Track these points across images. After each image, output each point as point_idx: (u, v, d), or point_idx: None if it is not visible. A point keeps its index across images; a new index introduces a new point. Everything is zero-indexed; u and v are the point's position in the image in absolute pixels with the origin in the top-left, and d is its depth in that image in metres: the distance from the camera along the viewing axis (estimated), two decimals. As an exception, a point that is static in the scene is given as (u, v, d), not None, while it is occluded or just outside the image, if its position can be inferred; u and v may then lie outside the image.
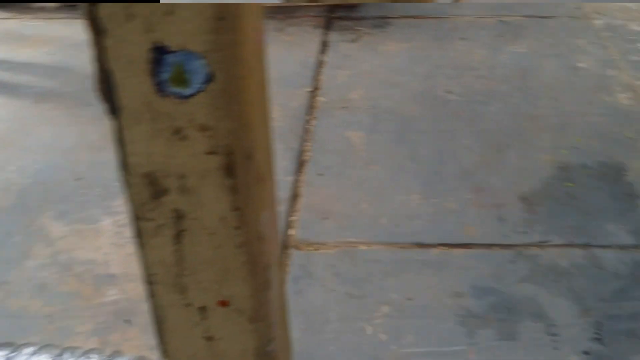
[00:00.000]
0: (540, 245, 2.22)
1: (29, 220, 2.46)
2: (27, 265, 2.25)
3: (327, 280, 2.13)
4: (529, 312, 1.97)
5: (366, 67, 3.45)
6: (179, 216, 0.74)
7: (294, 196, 2.57)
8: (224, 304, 0.81)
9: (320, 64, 3.50)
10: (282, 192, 2.58)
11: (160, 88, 0.66)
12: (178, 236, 0.75)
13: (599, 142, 2.77)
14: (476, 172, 2.64)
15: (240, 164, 0.71)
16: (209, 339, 0.82)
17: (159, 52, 0.62)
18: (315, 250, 2.29)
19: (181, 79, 0.66)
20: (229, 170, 0.71)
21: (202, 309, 0.81)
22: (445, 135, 2.87)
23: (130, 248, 2.16)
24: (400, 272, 2.16)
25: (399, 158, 2.76)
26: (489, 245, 2.24)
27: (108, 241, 2.35)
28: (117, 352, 1.55)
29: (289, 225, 2.41)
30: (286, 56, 3.54)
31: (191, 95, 0.67)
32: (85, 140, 2.91)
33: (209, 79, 0.65)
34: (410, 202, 2.50)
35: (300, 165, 2.76)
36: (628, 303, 1.98)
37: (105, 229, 2.41)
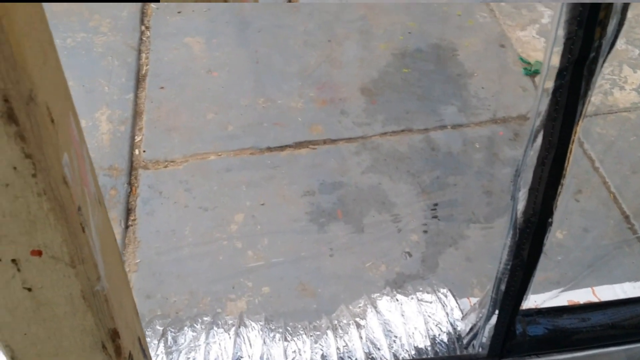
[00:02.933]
0: (381, 134, 2.33)
1: None
2: None
3: (179, 197, 2.11)
4: (374, 200, 2.08)
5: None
6: (-37, 171, 0.67)
7: (136, 114, 2.46)
8: (37, 253, 0.77)
9: (147, -33, 3.26)
10: (123, 111, 2.46)
11: None
12: (-32, 193, 0.69)
13: (431, 24, 2.87)
14: (318, 68, 2.65)
15: (20, 109, 0.65)
16: (29, 289, 0.78)
17: None
18: (164, 167, 2.23)
19: None
20: (9, 116, 0.65)
21: (14, 262, 0.77)
22: (285, 31, 2.84)
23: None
24: (251, 178, 2.18)
25: (242, 61, 2.70)
26: (334, 141, 2.31)
27: None
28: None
29: (134, 145, 2.32)
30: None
31: (-58, 41, 0.59)
32: None
33: (-42, 20, 0.57)
34: (256, 106, 2.49)
35: (139, 80, 2.63)
36: (460, 178, 2.15)
37: None
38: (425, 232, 1.99)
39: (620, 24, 0.86)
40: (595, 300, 1.57)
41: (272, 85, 2.57)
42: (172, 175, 2.20)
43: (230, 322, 1.49)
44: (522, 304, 1.21)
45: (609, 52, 0.88)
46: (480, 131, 2.34)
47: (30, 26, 0.63)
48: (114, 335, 0.89)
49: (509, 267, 1.12)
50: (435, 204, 2.07)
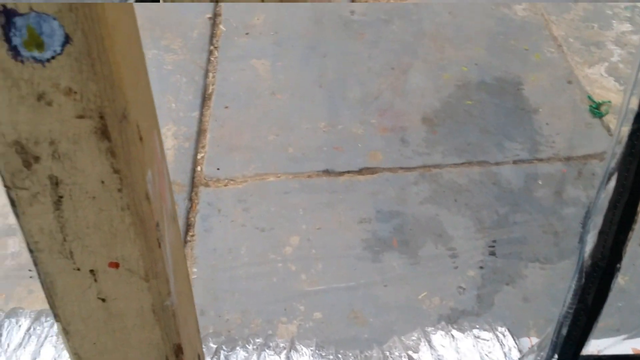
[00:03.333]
0: (440, 165, 2.31)
1: None
2: None
3: (236, 216, 2.14)
4: (431, 232, 2.07)
5: (267, -9, 3.35)
6: (55, 183, 0.71)
7: (201, 131, 2.52)
8: (114, 265, 0.79)
9: (219, -10, 3.36)
10: (188, 128, 2.53)
11: (15, 53, 0.62)
12: (57, 203, 0.72)
13: (497, 57, 2.85)
14: (380, 95, 2.67)
15: (114, 126, 0.68)
16: (103, 300, 0.81)
17: (8, 16, 0.57)
18: (224, 186, 2.28)
19: (36, 42, 0.61)
20: (103, 133, 0.68)
21: (92, 272, 0.79)
22: (350, 58, 2.87)
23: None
24: (308, 202, 2.20)
25: (305, 85, 2.74)
26: (393, 169, 2.30)
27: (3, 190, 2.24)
28: (16, 309, 1.51)
29: (196, 162, 2.38)
30: (182, -18, 3.38)
31: (50, 59, 0.62)
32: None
33: (66, 40, 0.61)
34: (317, 130, 2.52)
35: (205, 99, 2.70)
36: (521, 215, 2.11)
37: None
38: (481, 268, 1.95)
39: None
40: None
41: (333, 110, 2.59)
42: (232, 193, 2.24)
43: (281, 345, 1.49)
44: (583, 350, 1.17)
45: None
46: (543, 168, 2.29)
47: (128, 48, 0.67)
48: (178, 350, 0.90)
49: (572, 310, 1.09)
50: (494, 240, 2.03)
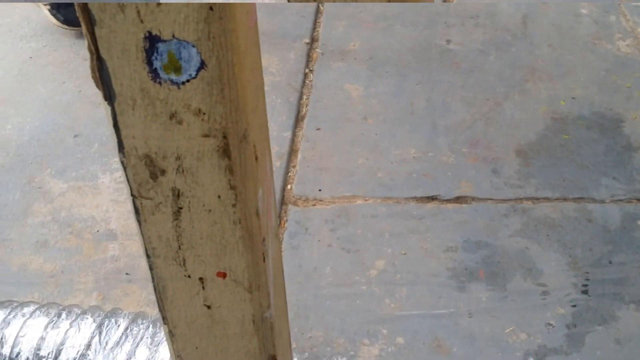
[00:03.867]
0: (533, 199, 2.26)
1: (28, 178, 2.49)
2: (27, 222, 2.29)
3: (323, 236, 2.18)
4: (519, 266, 2.02)
5: (365, 17, 3.42)
6: (177, 195, 0.77)
7: (292, 151, 2.59)
8: (222, 275, 0.85)
9: (317, 13, 3.46)
10: (280, 147, 2.60)
11: (154, 75, 0.68)
12: (176, 213, 0.78)
13: (597, 93, 2.77)
14: (473, 125, 2.65)
15: (234, 146, 0.73)
16: (209, 307, 0.86)
17: (152, 41, 0.64)
18: (312, 206, 2.32)
19: (175, 67, 0.67)
20: (224, 151, 0.73)
21: (201, 280, 0.85)
22: (444, 86, 2.87)
23: (129, 205, 2.20)
24: (395, 226, 2.21)
25: (397, 111, 2.77)
26: (483, 200, 2.28)
27: (107, 198, 2.38)
28: (116, 310, 1.60)
29: (286, 181, 2.44)
30: (283, 7, 3.50)
31: (185, 82, 0.69)
32: (82, 96, 2.91)
33: (201, 66, 0.67)
34: (407, 156, 2.53)
35: (298, 120, 2.77)
36: (616, 257, 2.03)
37: (104, 185, 2.44)
38: (573, 306, 1.89)
39: None
40: None
41: (424, 138, 2.60)
42: (319, 214, 2.28)
43: (364, 366, 1.50)
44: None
45: None
46: (643, 208, 2.20)
47: (252, 73, 0.72)
48: (273, 361, 0.94)
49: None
50: (587, 279, 1.97)
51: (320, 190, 2.37)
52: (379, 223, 2.23)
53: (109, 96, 0.66)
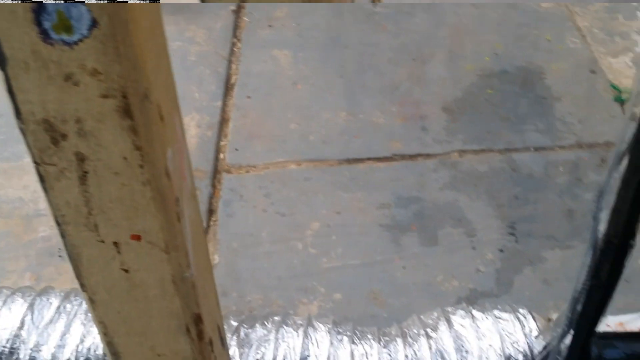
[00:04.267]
0: (460, 152, 2.33)
1: (-51, 163, 2.39)
2: (-48, 208, 2.21)
3: (258, 202, 2.19)
4: (449, 217, 2.09)
5: (289, -17, 3.38)
6: (81, 159, 0.76)
7: (223, 121, 2.57)
8: (136, 237, 0.84)
9: (242, -19, 3.40)
10: (211, 117, 2.58)
11: (45, 36, 0.66)
12: (82, 178, 0.77)
13: (519, 47, 2.85)
14: (401, 85, 2.69)
15: (136, 106, 0.72)
16: (126, 271, 0.86)
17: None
18: (246, 172, 2.32)
19: (65, 26, 0.66)
20: (125, 112, 0.72)
21: (116, 244, 0.84)
22: (371, 49, 2.89)
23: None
24: (328, 188, 2.23)
25: (326, 75, 2.77)
26: (413, 156, 2.33)
27: (34, 178, 2.31)
28: (47, 288, 1.58)
29: (219, 149, 2.43)
30: (206, -26, 3.42)
31: (77, 42, 0.67)
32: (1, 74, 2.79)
33: (93, 24, 0.65)
34: (338, 119, 2.55)
35: (228, 89, 2.75)
36: (541, 202, 2.12)
37: (30, 166, 2.36)
38: (501, 251, 1.97)
39: None
40: None
41: (354, 100, 2.62)
42: (253, 180, 2.28)
43: (299, 322, 1.53)
44: (598, 326, 1.19)
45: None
46: (565, 155, 2.30)
47: (151, 32, 0.71)
48: (198, 320, 0.95)
49: (586, 287, 1.11)
50: (514, 225, 2.05)
51: (250, 157, 2.37)
52: (313, 186, 2.25)
53: (1, 60, 0.64)
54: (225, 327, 1.60)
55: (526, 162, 2.27)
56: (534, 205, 2.12)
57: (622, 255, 1.03)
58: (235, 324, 1.51)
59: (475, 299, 1.83)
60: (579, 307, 1.14)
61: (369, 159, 2.34)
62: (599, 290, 1.09)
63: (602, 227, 1.01)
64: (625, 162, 0.92)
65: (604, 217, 1.00)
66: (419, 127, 2.46)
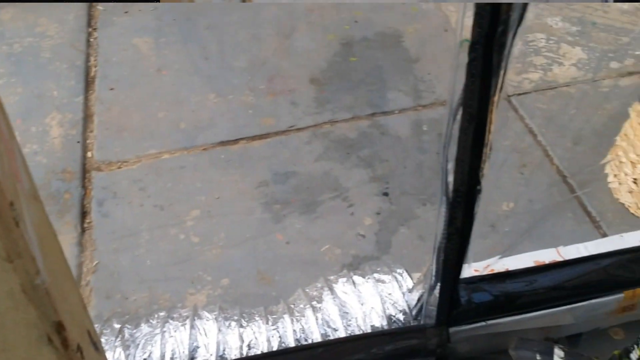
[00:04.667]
0: (331, 122, 2.37)
1: None
2: None
3: (133, 197, 2.12)
4: (326, 187, 2.12)
5: (141, -33, 3.26)
6: None
7: (87, 116, 2.46)
8: (-27, 249, 0.78)
9: (90, -30, 3.24)
10: (74, 114, 2.45)
11: None
12: None
13: (376, 13, 2.91)
14: (267, 61, 2.68)
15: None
16: (-31, 286, 0.80)
17: None
18: (117, 168, 2.24)
19: None
20: None
21: (-49, 259, 0.78)
22: (233, 27, 2.85)
23: None
24: (205, 173, 2.20)
25: (191, 58, 2.71)
26: (285, 131, 2.34)
27: None
28: None
29: (86, 148, 2.32)
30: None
31: None
32: None
33: None
34: (207, 102, 2.50)
35: (88, 82, 2.62)
36: (409, 162, 2.21)
37: None
38: (378, 214, 2.04)
39: (526, -2, 0.90)
40: (560, 259, 1.61)
41: (222, 81, 2.58)
42: (126, 175, 2.21)
43: (184, 314, 1.51)
44: (462, 272, 1.26)
45: (518, 26, 0.93)
46: (427, 114, 2.39)
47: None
48: (59, 327, 0.91)
49: (445, 236, 1.17)
50: (387, 187, 2.12)
51: (120, 152, 2.29)
52: (189, 173, 2.21)
53: None
54: (108, 330, 1.54)
55: (393, 124, 2.34)
56: (403, 165, 2.19)
57: (471, 201, 1.09)
58: (118, 326, 1.47)
59: (358, 264, 1.89)
60: (442, 256, 1.21)
61: (242, 139, 2.33)
62: (456, 237, 1.16)
63: (450, 178, 1.07)
64: (460, 113, 0.97)
65: (451, 167, 1.05)
66: (289, 101, 2.48)
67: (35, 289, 0.83)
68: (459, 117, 0.98)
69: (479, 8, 0.86)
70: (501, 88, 0.97)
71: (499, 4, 0.84)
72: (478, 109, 0.96)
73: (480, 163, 1.04)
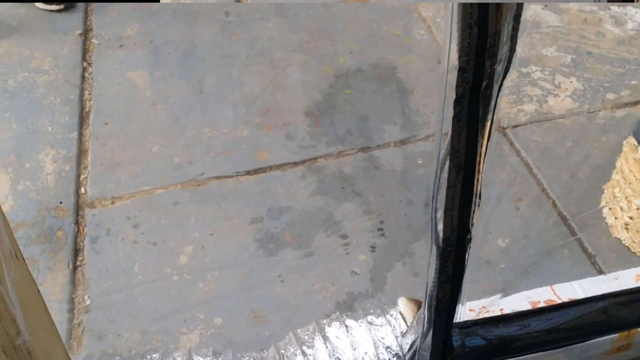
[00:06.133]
0: (326, 156, 2.36)
1: None
2: None
3: (126, 234, 2.11)
4: (321, 222, 2.11)
5: None
6: None
7: (81, 152, 2.46)
8: (-50, 314, 0.77)
9: (88, 3, 3.26)
10: (68, 150, 2.45)
11: None
12: None
13: (371, 44, 2.93)
14: (262, 94, 2.69)
15: None
16: (-53, 351, 0.79)
17: None
18: (111, 204, 2.23)
19: None
20: None
21: None
22: (228, 60, 2.86)
23: None
24: (199, 209, 2.19)
25: (185, 92, 2.72)
26: (281, 166, 2.33)
27: None
28: None
29: (79, 184, 2.32)
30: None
31: None
32: None
33: None
34: (202, 136, 2.50)
35: (83, 117, 2.62)
36: (405, 196, 2.20)
37: None
38: (373, 251, 2.02)
39: (512, 50, 0.91)
40: (555, 299, 1.60)
41: (217, 115, 2.59)
42: (119, 212, 2.20)
43: (178, 358, 1.49)
44: (455, 317, 1.24)
45: (504, 77, 0.92)
46: (422, 146, 2.39)
47: None
48: (42, 388, 0.89)
49: (436, 284, 1.16)
50: (382, 222, 2.11)
51: (113, 188, 2.28)
52: (183, 209, 2.20)
53: None
54: (98, 374, 1.52)
55: (387, 157, 2.34)
56: (398, 199, 2.19)
57: (462, 250, 1.08)
58: (107, 370, 1.45)
59: (353, 301, 1.87)
60: (434, 303, 1.19)
61: (237, 174, 2.32)
62: (448, 285, 1.15)
63: (440, 226, 1.06)
64: (447, 164, 0.96)
65: (440, 216, 1.04)
66: (284, 135, 2.48)
67: (17, 349, 0.82)
68: (446, 167, 0.98)
69: (462, 63, 0.86)
70: (489, 138, 0.96)
71: (483, 62, 0.84)
72: (466, 161, 0.96)
73: (469, 212, 1.03)
